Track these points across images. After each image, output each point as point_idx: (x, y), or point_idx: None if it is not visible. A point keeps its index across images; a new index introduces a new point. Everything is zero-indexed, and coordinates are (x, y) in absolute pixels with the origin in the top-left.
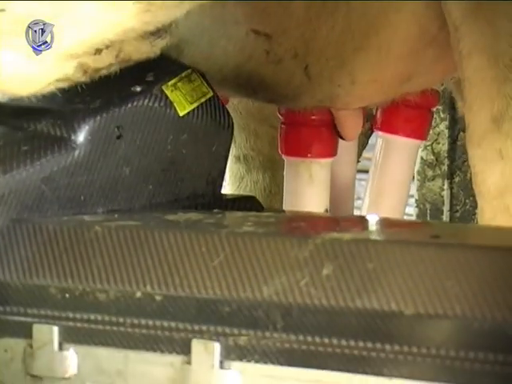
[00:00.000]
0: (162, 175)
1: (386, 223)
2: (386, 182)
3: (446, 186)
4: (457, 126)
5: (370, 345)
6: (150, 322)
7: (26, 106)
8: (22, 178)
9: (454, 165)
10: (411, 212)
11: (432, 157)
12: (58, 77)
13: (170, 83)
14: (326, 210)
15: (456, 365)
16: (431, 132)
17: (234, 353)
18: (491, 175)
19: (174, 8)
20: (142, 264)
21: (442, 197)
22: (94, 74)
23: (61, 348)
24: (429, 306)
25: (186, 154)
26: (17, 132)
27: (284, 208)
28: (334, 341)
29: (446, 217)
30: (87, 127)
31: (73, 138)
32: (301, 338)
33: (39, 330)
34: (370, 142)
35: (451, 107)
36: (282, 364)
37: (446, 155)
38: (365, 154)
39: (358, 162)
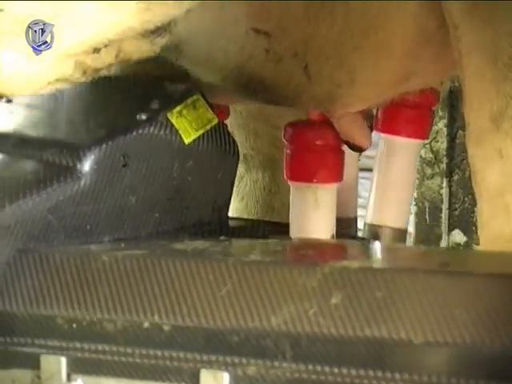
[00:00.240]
0: (168, 203)
1: (393, 250)
2: (390, 183)
3: (444, 185)
4: (455, 124)
5: (379, 374)
6: (159, 352)
7: (32, 135)
8: (28, 207)
9: (453, 163)
10: (410, 210)
11: (431, 155)
12: (58, 77)
13: (175, 110)
14: (333, 236)
15: None
16: None
17: (243, 383)
18: (491, 174)
19: (173, 6)
20: (150, 293)
21: (441, 195)
22: (94, 74)
23: (69, 379)
24: (438, 334)
25: (192, 182)
26: (23, 161)
27: (290, 233)
28: (344, 370)
29: (444, 215)
30: (93, 156)
31: (78, 167)
32: (310, 367)
33: (47, 360)
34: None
35: (450, 105)
36: None
37: (444, 153)
38: (365, 152)
39: (358, 160)
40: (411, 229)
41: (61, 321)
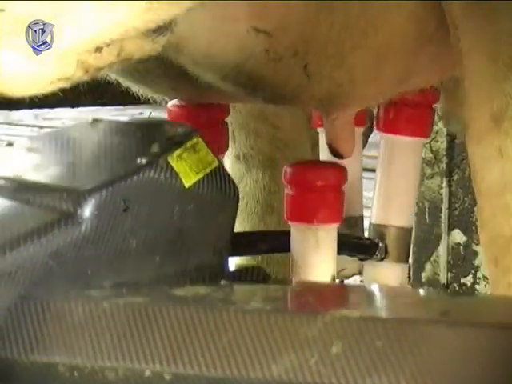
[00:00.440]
0: (169, 247)
1: (394, 295)
2: (393, 183)
3: (444, 184)
4: None
5: None
6: None
7: (32, 179)
8: (29, 254)
9: (453, 163)
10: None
11: (430, 155)
12: (60, 76)
13: (175, 154)
14: (334, 277)
15: None
16: None
17: None
18: (491, 173)
19: (176, 6)
20: (151, 342)
21: (441, 195)
22: (96, 74)
23: None
24: None
25: (193, 225)
26: (23, 207)
27: (290, 273)
28: None
29: (444, 215)
30: (93, 201)
31: (79, 212)
32: None
33: None
34: (371, 140)
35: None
36: None
37: (444, 153)
38: (366, 152)
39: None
40: None
41: (62, 368)
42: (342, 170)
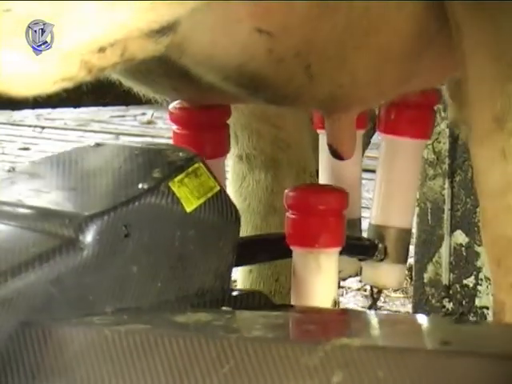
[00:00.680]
0: (171, 272)
1: (394, 322)
2: (393, 184)
3: (446, 185)
4: None
5: None
6: None
7: (34, 205)
8: (30, 280)
9: (455, 164)
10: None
11: (433, 156)
12: (63, 76)
13: (176, 179)
14: (335, 301)
15: None
16: None
17: None
18: (493, 174)
19: (179, 7)
20: (152, 369)
21: (443, 196)
22: (99, 73)
23: None
24: None
25: (194, 250)
26: (25, 232)
27: (292, 297)
28: None
29: (446, 216)
30: (95, 227)
31: (81, 238)
32: None
33: None
34: (373, 141)
35: None
36: None
37: (446, 154)
38: (367, 153)
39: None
40: (413, 229)
41: None
42: (344, 194)
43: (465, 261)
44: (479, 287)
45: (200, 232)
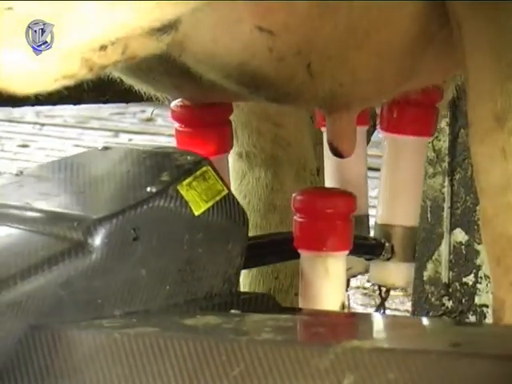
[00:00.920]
0: (179, 275)
1: (403, 325)
2: (398, 183)
3: (446, 183)
4: (457, 123)
5: None
6: None
7: (42, 208)
8: (39, 284)
9: (455, 162)
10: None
11: (433, 154)
12: (64, 74)
13: (184, 183)
14: (343, 305)
15: None
16: None
17: None
18: (494, 173)
19: (181, 5)
20: (162, 372)
21: (443, 194)
22: (100, 71)
23: None
24: None
25: (202, 253)
26: (33, 236)
27: (300, 300)
28: None
29: (446, 214)
30: (104, 230)
31: (89, 241)
32: None
33: None
34: (373, 139)
35: (452, 104)
36: None
37: (446, 152)
38: (367, 151)
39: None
40: None
41: None
42: (351, 198)
43: (464, 259)
44: (479, 285)
45: (208, 235)
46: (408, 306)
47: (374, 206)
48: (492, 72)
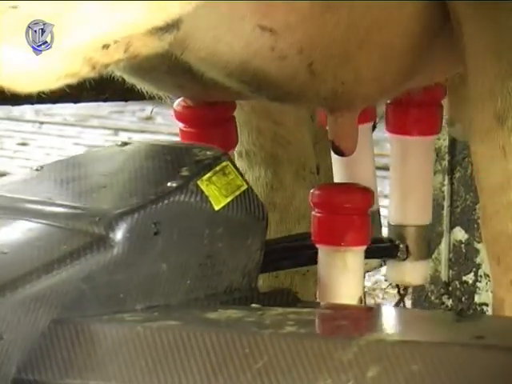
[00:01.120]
0: (199, 270)
1: (424, 318)
2: (408, 183)
3: (446, 182)
4: None
5: None
6: None
7: (64, 203)
8: (62, 277)
9: (455, 160)
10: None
11: None
12: (67, 72)
13: (204, 178)
14: (361, 299)
15: None
16: None
17: None
18: (494, 172)
19: (184, 4)
20: (186, 365)
21: (443, 192)
22: (103, 70)
23: None
24: None
25: (222, 248)
26: (56, 231)
27: (318, 295)
28: None
29: (446, 212)
30: (125, 225)
31: (111, 236)
32: None
33: None
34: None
35: None
36: None
37: (446, 151)
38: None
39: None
40: None
41: None
42: (369, 192)
43: (464, 257)
44: (478, 284)
45: (228, 230)
46: (408, 304)
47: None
48: (492, 71)
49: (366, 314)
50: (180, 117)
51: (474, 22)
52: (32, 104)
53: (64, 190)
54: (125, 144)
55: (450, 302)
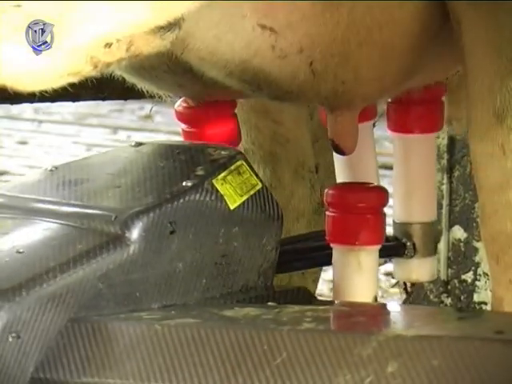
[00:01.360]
0: (215, 269)
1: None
2: (412, 181)
3: (445, 181)
4: None
5: None
6: None
7: (80, 203)
8: (78, 276)
9: (454, 159)
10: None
11: None
12: (69, 71)
13: (219, 177)
14: (375, 298)
15: None
16: None
17: None
18: (493, 170)
19: (187, 3)
20: (204, 363)
21: (442, 191)
22: (105, 69)
23: None
24: None
25: (238, 247)
26: (72, 231)
27: (333, 294)
28: None
29: (445, 211)
30: (141, 224)
31: (127, 235)
32: None
33: None
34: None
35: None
36: None
37: (445, 149)
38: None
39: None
40: None
41: None
42: (383, 192)
43: (463, 256)
44: (477, 282)
45: (243, 229)
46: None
47: None
48: (491, 69)
49: (382, 311)
50: (181, 117)
51: (472, 20)
52: (31, 103)
53: (79, 190)
54: (139, 144)
55: (448, 301)
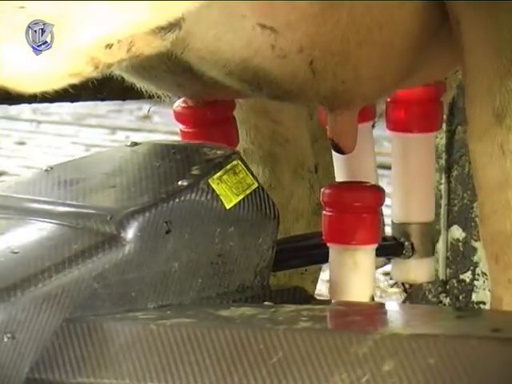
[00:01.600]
0: (211, 268)
1: (439, 312)
2: (410, 181)
3: (443, 180)
4: (455, 120)
5: None
6: None
7: (75, 203)
8: (74, 276)
9: (452, 159)
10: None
11: None
12: (70, 72)
13: (215, 176)
14: (372, 298)
15: None
16: None
17: None
18: (492, 170)
19: (188, 3)
20: (200, 362)
21: (440, 191)
22: (106, 69)
23: None
24: None
25: (234, 246)
26: (67, 231)
27: (329, 293)
28: None
29: (443, 211)
30: (136, 224)
31: (122, 234)
32: None
33: None
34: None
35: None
36: None
37: (443, 149)
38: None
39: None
40: None
41: None
42: (379, 191)
43: (462, 256)
44: (476, 282)
45: (239, 229)
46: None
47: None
48: (491, 68)
49: (379, 310)
50: (180, 118)
51: (472, 19)
52: (29, 103)
53: (74, 190)
54: (135, 144)
55: (447, 301)
